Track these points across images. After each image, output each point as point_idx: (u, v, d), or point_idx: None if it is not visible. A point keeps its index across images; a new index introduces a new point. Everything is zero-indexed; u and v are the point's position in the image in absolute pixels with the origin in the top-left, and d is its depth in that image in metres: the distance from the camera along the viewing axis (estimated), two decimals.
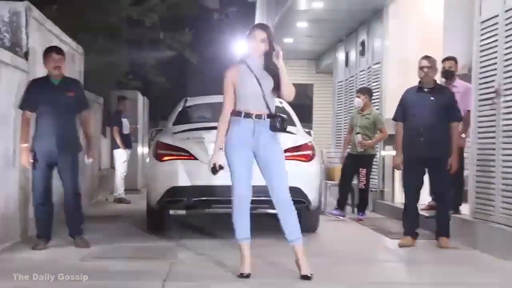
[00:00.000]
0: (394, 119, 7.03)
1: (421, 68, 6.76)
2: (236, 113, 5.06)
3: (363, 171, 9.03)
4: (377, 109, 10.64)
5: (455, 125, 6.68)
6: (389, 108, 10.21)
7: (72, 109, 6.47)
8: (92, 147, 6.72)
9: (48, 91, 6.36)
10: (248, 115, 5.02)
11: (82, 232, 6.58)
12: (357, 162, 9.06)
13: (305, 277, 4.93)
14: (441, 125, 6.62)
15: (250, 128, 5.02)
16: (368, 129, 9.08)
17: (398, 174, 9.38)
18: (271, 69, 5.04)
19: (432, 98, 6.68)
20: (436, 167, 6.65)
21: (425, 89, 6.75)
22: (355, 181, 9.35)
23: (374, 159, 9.52)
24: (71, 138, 6.45)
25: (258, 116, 5.02)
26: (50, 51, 6.54)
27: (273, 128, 5.05)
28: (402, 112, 6.87)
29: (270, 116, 5.05)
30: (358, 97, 9.21)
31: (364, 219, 9.01)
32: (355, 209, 9.42)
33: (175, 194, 6.98)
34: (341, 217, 9.00)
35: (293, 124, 7.63)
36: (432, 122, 6.61)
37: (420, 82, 6.80)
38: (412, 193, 6.77)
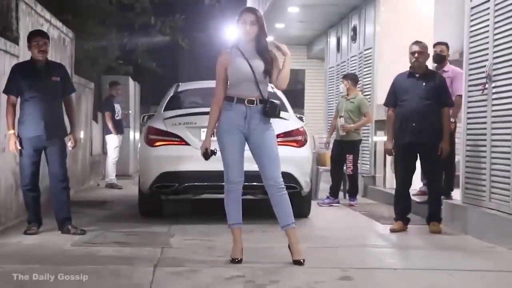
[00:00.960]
0: (385, 104, 7.04)
1: (412, 53, 6.76)
2: (228, 98, 5.02)
3: (349, 157, 9.09)
4: (368, 94, 10.65)
5: (446, 110, 6.70)
6: (381, 94, 10.19)
7: (58, 94, 6.36)
8: (75, 131, 6.62)
9: (33, 76, 6.24)
10: (240, 100, 4.97)
11: (70, 217, 6.46)
12: (344, 148, 9.14)
13: (297, 262, 4.93)
14: (432, 111, 6.63)
15: (242, 113, 4.98)
16: (353, 113, 9.14)
17: (389, 159, 9.40)
18: (263, 53, 5.00)
19: (423, 83, 6.69)
20: (428, 153, 6.67)
21: (416, 75, 6.75)
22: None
23: (364, 145, 9.57)
24: (58, 123, 6.36)
25: (250, 101, 4.98)
26: (35, 35, 6.39)
27: (266, 114, 5.00)
28: (393, 97, 6.87)
29: (262, 101, 5.01)
30: (342, 82, 9.53)
31: (355, 204, 9.04)
32: (347, 195, 9.45)
33: (166, 179, 7.00)
34: (335, 204, 9.04)
35: (285, 109, 7.62)
36: (423, 107, 6.62)
37: (411, 67, 6.81)
38: (403, 178, 6.78)
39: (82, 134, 10.92)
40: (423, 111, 6.61)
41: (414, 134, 6.62)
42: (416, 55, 6.72)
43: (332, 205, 9.00)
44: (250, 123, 5.01)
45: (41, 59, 6.31)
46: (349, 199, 9.22)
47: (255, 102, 5.00)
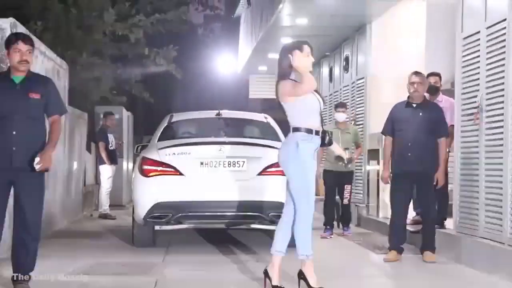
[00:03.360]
0: (383, 132, 7.08)
1: (411, 83, 6.81)
2: (307, 130, 4.96)
3: (348, 187, 9.04)
4: (361, 124, 10.71)
5: (443, 140, 6.74)
6: (374, 123, 10.29)
7: (37, 115, 4.97)
8: (48, 151, 4.89)
9: (6, 91, 4.91)
10: (317, 133, 5.00)
11: (33, 268, 5.03)
12: (341, 179, 9.02)
13: None
14: (428, 141, 6.68)
15: (316, 145, 5.01)
16: (350, 144, 9.07)
17: (383, 189, 9.41)
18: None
19: (420, 113, 6.74)
20: (423, 182, 6.70)
21: (414, 105, 6.80)
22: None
23: (357, 174, 9.60)
24: (35, 152, 4.86)
25: (317, 132, 5.02)
26: (16, 39, 4.95)
27: (323, 143, 5.06)
28: (391, 125, 6.92)
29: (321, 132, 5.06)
30: (343, 111, 9.09)
31: (349, 234, 9.01)
32: (340, 224, 9.43)
33: (160, 210, 6.98)
34: (330, 236, 8.90)
35: (278, 139, 7.66)
36: (420, 137, 6.66)
37: (409, 97, 6.86)
38: (399, 208, 6.79)
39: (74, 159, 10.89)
40: (420, 141, 6.65)
41: (411, 163, 6.66)
42: (415, 85, 6.78)
43: (330, 237, 8.84)
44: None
45: (22, 69, 4.94)
46: (342, 228, 9.19)
47: (320, 133, 5.04)
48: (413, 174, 6.67)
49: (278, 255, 5.00)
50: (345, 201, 9.10)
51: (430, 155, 6.68)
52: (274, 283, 4.97)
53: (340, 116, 9.07)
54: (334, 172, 9.02)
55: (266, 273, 5.06)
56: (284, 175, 5.48)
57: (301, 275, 5.01)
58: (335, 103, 9.78)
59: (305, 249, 4.93)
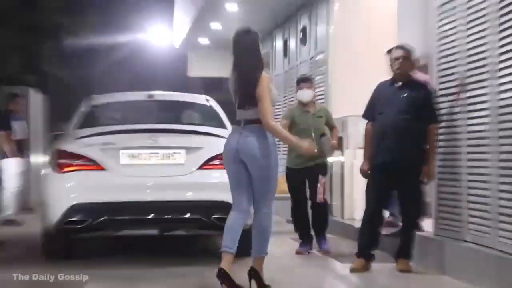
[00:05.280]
0: (363, 116, 7.05)
1: (394, 59, 6.79)
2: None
3: (322, 180, 7.93)
4: None
5: (432, 127, 6.70)
6: (336, 106, 10.30)
7: None
8: None
9: None
10: None
11: None
12: (309, 174, 7.91)
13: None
14: (411, 127, 6.62)
15: None
16: (325, 130, 7.98)
17: (348, 186, 9.43)
18: None
19: (405, 94, 6.70)
20: (404, 176, 6.67)
21: (397, 84, 6.77)
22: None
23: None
24: None
25: None
26: None
27: None
28: (372, 109, 6.89)
29: None
30: (309, 87, 8.01)
31: (326, 249, 7.94)
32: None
33: (78, 213, 6.86)
34: (309, 252, 7.94)
35: (223, 126, 7.61)
36: (400, 122, 6.62)
37: (393, 75, 6.83)
38: (375, 206, 6.77)
39: None
40: (400, 127, 6.61)
41: (389, 153, 6.64)
42: (398, 60, 6.75)
43: (310, 252, 7.92)
44: None
45: None
46: (319, 242, 8.04)
47: None
48: (393, 167, 6.65)
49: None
50: (319, 198, 7.90)
51: (414, 143, 6.65)
52: None
53: (307, 94, 7.97)
54: (298, 170, 7.94)
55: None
56: None
57: (252, 272, 5.55)
58: (297, 78, 8.58)
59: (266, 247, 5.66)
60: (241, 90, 5.68)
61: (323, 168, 8.01)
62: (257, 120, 5.59)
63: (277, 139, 5.74)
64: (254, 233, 5.67)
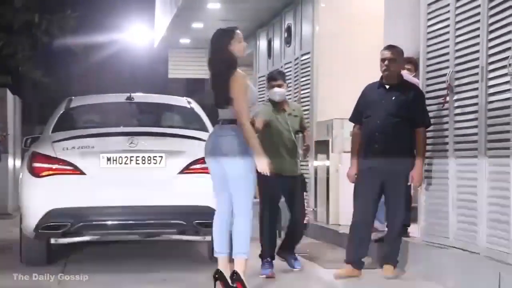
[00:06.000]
0: (350, 119, 7.10)
1: (382, 60, 6.84)
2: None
3: (304, 197, 7.63)
4: (306, 110, 10.74)
5: (421, 130, 6.74)
6: (322, 108, 10.37)
7: None
8: None
9: None
10: None
11: None
12: (289, 186, 7.23)
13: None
14: (401, 130, 6.68)
15: None
16: (298, 131, 7.44)
17: (333, 191, 9.47)
18: None
19: (393, 97, 6.76)
20: (392, 181, 6.73)
21: (386, 86, 6.84)
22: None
23: (303, 171, 8.52)
24: None
25: None
26: None
27: None
28: (359, 112, 6.94)
29: None
30: (280, 86, 7.32)
31: (299, 268, 7.30)
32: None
33: (56, 218, 6.89)
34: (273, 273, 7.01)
35: (205, 129, 7.64)
36: (389, 125, 6.67)
37: (381, 77, 6.90)
38: (362, 211, 6.80)
39: None
40: (390, 130, 6.67)
41: (377, 157, 6.69)
42: (386, 62, 6.81)
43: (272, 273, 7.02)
44: None
45: None
46: (290, 259, 7.35)
47: None
48: (381, 171, 6.71)
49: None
50: (305, 218, 7.62)
51: (403, 148, 6.71)
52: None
53: (280, 93, 7.31)
54: (275, 177, 6.47)
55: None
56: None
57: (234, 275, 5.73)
58: (267, 74, 7.95)
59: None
60: (215, 89, 5.86)
61: (302, 182, 7.61)
62: (234, 120, 5.76)
63: None
64: (232, 234, 5.82)
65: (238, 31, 5.93)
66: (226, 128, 5.82)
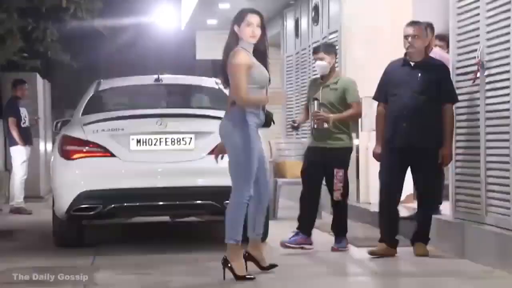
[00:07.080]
0: (375, 98, 7.06)
1: (405, 36, 6.77)
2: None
3: (339, 173, 7.13)
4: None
5: (449, 107, 6.69)
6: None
7: None
8: None
9: None
10: (263, 109, 5.86)
11: None
12: (327, 159, 7.16)
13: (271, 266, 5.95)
14: (428, 108, 6.63)
15: (262, 122, 5.89)
16: (336, 107, 7.19)
17: (363, 169, 9.46)
18: (265, 58, 5.92)
19: (419, 74, 6.70)
20: (421, 160, 6.68)
21: (411, 63, 6.77)
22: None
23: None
24: None
25: (264, 108, 5.89)
26: None
27: (265, 124, 5.93)
28: (384, 90, 6.89)
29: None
30: (322, 59, 7.20)
31: (344, 249, 7.24)
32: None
33: (87, 201, 6.95)
34: (308, 246, 7.19)
35: None
36: (417, 104, 6.62)
37: (405, 54, 6.85)
38: (390, 190, 6.78)
39: None
40: (418, 108, 6.61)
41: (405, 136, 6.65)
42: (409, 39, 6.72)
43: (304, 247, 7.16)
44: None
45: None
46: (334, 240, 7.32)
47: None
48: (408, 150, 6.66)
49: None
50: (336, 196, 7.18)
51: (431, 126, 6.65)
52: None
53: (320, 66, 7.23)
54: (315, 149, 7.23)
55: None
56: None
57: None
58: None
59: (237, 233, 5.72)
60: (220, 70, 6.00)
61: (342, 156, 7.23)
62: (234, 102, 5.79)
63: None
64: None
65: (251, 14, 5.81)
66: (226, 112, 5.92)
